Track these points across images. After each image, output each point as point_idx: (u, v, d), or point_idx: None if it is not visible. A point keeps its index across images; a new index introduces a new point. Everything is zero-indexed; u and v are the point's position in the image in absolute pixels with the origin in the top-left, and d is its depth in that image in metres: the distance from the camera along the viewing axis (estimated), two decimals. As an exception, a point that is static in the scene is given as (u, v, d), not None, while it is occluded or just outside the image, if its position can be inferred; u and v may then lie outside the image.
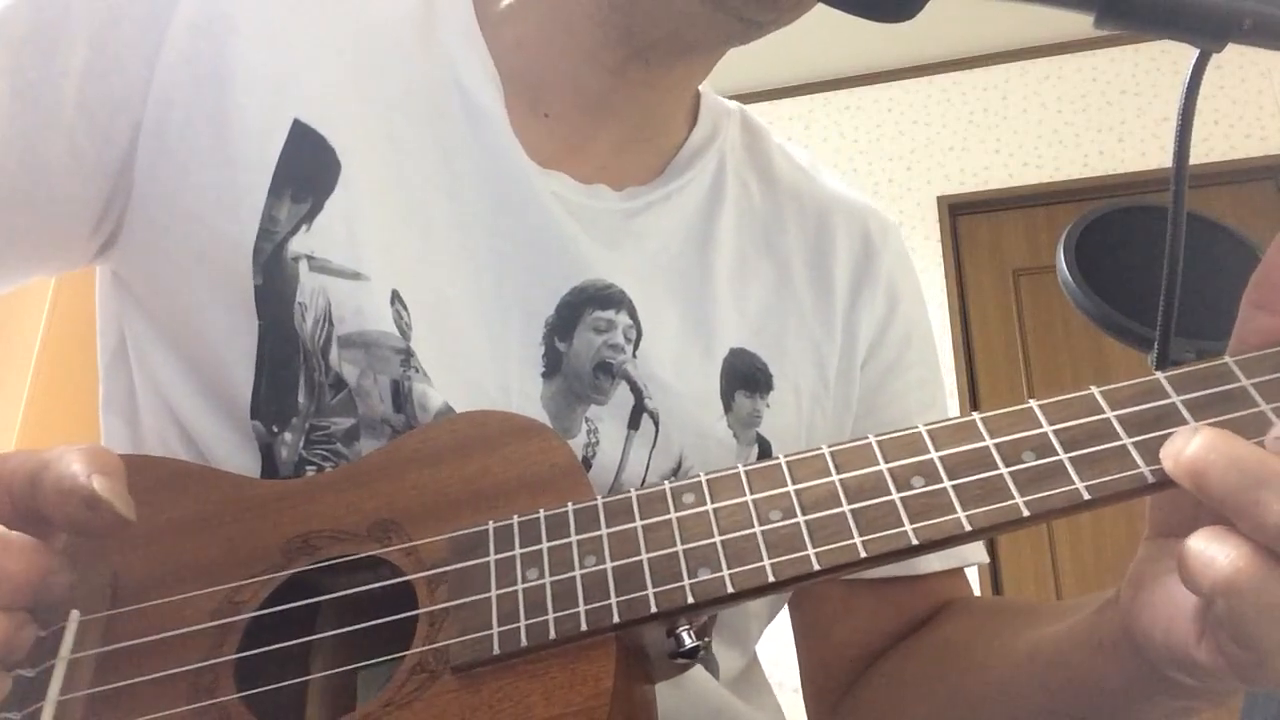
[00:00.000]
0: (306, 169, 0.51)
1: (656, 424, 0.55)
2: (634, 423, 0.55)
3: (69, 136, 0.50)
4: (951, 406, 3.00)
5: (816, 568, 0.37)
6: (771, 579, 0.37)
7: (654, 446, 0.55)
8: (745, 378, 0.60)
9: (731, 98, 0.73)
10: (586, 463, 0.53)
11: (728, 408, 0.58)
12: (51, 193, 0.51)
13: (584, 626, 0.38)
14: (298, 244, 0.50)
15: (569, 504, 0.41)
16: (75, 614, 0.41)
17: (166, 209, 0.51)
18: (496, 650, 0.38)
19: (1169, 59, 3.29)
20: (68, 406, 1.94)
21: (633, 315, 0.57)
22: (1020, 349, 3.11)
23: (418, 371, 0.50)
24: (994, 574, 2.84)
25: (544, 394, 0.54)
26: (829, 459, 0.40)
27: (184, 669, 0.40)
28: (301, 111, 0.52)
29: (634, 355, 0.56)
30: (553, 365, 0.55)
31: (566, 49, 0.59)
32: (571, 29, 0.59)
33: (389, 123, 0.55)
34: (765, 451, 0.59)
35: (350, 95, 0.54)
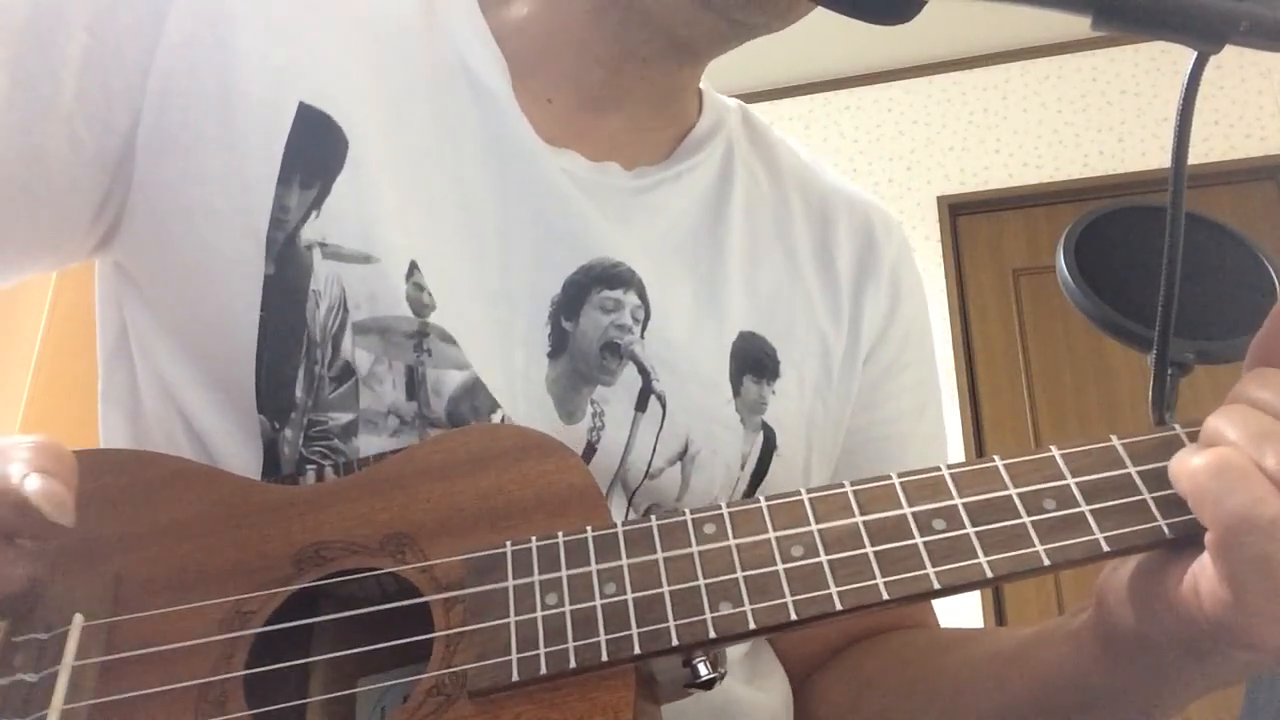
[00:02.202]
0: (314, 152, 0.51)
1: (664, 406, 0.55)
2: (641, 405, 0.55)
3: (68, 126, 0.50)
4: (951, 408, 2.98)
5: (839, 607, 0.37)
6: (794, 616, 0.38)
7: (661, 429, 0.55)
8: (754, 362, 0.59)
9: (731, 98, 0.73)
10: (591, 446, 0.53)
11: (735, 391, 0.58)
12: (50, 183, 0.50)
13: (605, 657, 0.38)
14: (309, 231, 0.50)
15: (588, 529, 0.41)
16: (79, 618, 0.41)
17: (170, 198, 0.51)
18: (516, 677, 0.38)
19: (1169, 59, 3.29)
20: (68, 404, 1.94)
21: (641, 295, 0.56)
22: (1020, 349, 3.11)
23: (431, 354, 0.50)
24: (995, 587, 2.84)
25: (549, 375, 0.54)
26: (851, 498, 0.40)
27: (192, 683, 0.40)
28: (306, 94, 0.52)
29: (642, 336, 0.56)
30: (559, 345, 0.54)
31: (565, 42, 0.60)
32: (568, 20, 0.59)
33: (395, 102, 0.55)
34: (770, 441, 0.58)
35: (355, 77, 0.54)
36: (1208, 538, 0.34)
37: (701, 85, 0.69)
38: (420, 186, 0.54)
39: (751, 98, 3.50)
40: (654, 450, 0.54)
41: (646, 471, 0.54)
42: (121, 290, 0.56)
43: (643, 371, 0.55)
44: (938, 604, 0.68)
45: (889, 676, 0.60)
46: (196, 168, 0.51)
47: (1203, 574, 0.35)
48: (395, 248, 0.51)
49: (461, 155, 0.56)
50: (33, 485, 0.36)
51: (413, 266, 0.51)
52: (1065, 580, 2.81)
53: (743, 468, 0.57)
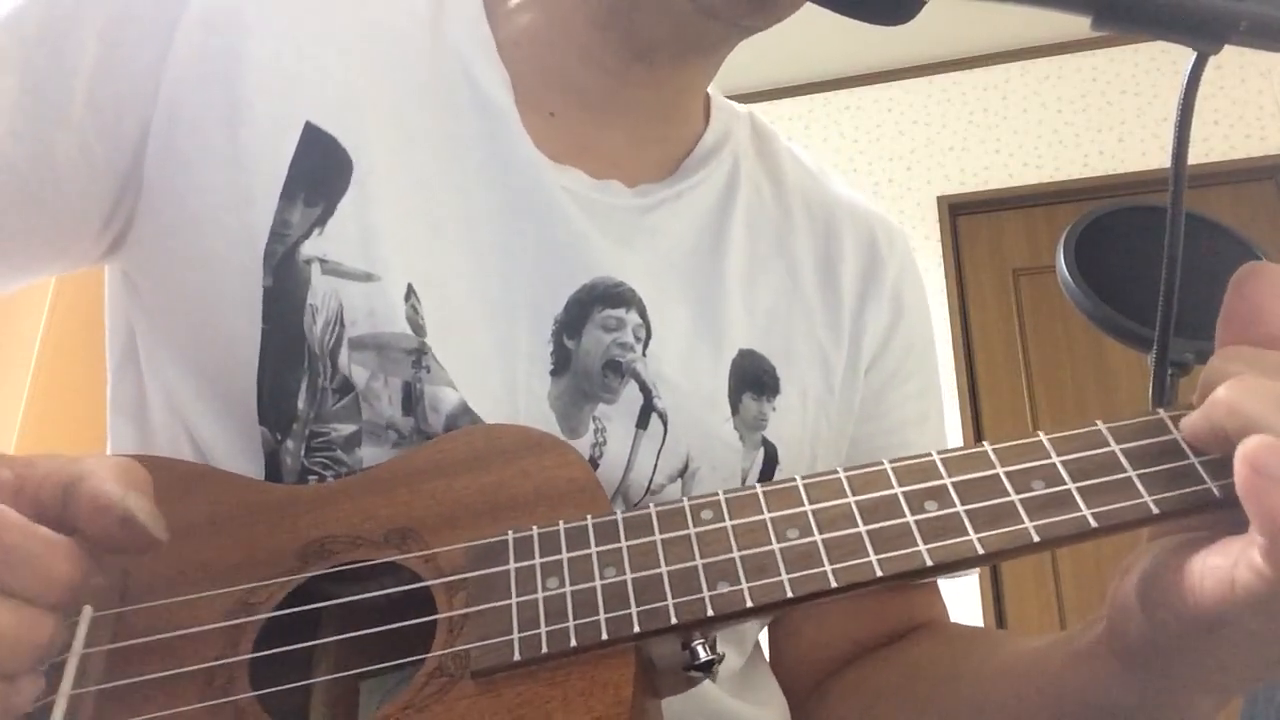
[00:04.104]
0: (319, 173, 0.51)
1: (665, 424, 0.55)
2: (642, 422, 0.55)
3: (79, 134, 0.50)
4: (951, 406, 2.97)
5: (834, 585, 0.38)
6: (790, 594, 0.38)
7: (662, 446, 0.55)
8: (753, 380, 0.59)
9: (731, 98, 0.73)
10: (593, 462, 0.53)
11: (734, 410, 0.58)
12: (61, 190, 0.51)
13: (605, 635, 0.38)
14: (310, 247, 0.50)
15: (588, 517, 0.42)
16: (88, 609, 0.41)
17: (176, 208, 0.51)
18: (517, 656, 0.38)
19: (1169, 59, 3.29)
20: (68, 406, 1.94)
21: (642, 314, 0.57)
22: (1020, 349, 3.11)
23: (429, 371, 0.50)
24: (995, 582, 2.84)
25: (552, 392, 0.54)
26: (845, 482, 0.41)
27: (199, 666, 0.41)
28: (313, 114, 0.52)
29: (643, 354, 0.56)
30: (561, 363, 0.55)
31: (568, 50, 0.60)
32: (572, 30, 0.59)
33: (400, 119, 0.55)
34: (771, 456, 0.58)
35: (361, 94, 0.54)
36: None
37: (711, 91, 0.69)
38: (424, 205, 0.54)
39: (751, 98, 3.50)
40: (655, 467, 0.54)
41: (648, 488, 0.54)
42: (128, 300, 0.57)
43: (644, 389, 0.55)
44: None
45: (901, 691, 0.60)
46: (202, 179, 0.51)
47: (1208, 566, 0.35)
48: (396, 268, 0.51)
49: (466, 171, 0.56)
50: (135, 501, 0.38)
51: (410, 290, 0.51)
52: (1065, 581, 2.82)
53: (743, 484, 0.57)
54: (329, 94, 0.53)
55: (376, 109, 0.54)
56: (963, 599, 2.75)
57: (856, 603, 0.65)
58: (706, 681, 0.56)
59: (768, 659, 0.68)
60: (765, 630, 0.69)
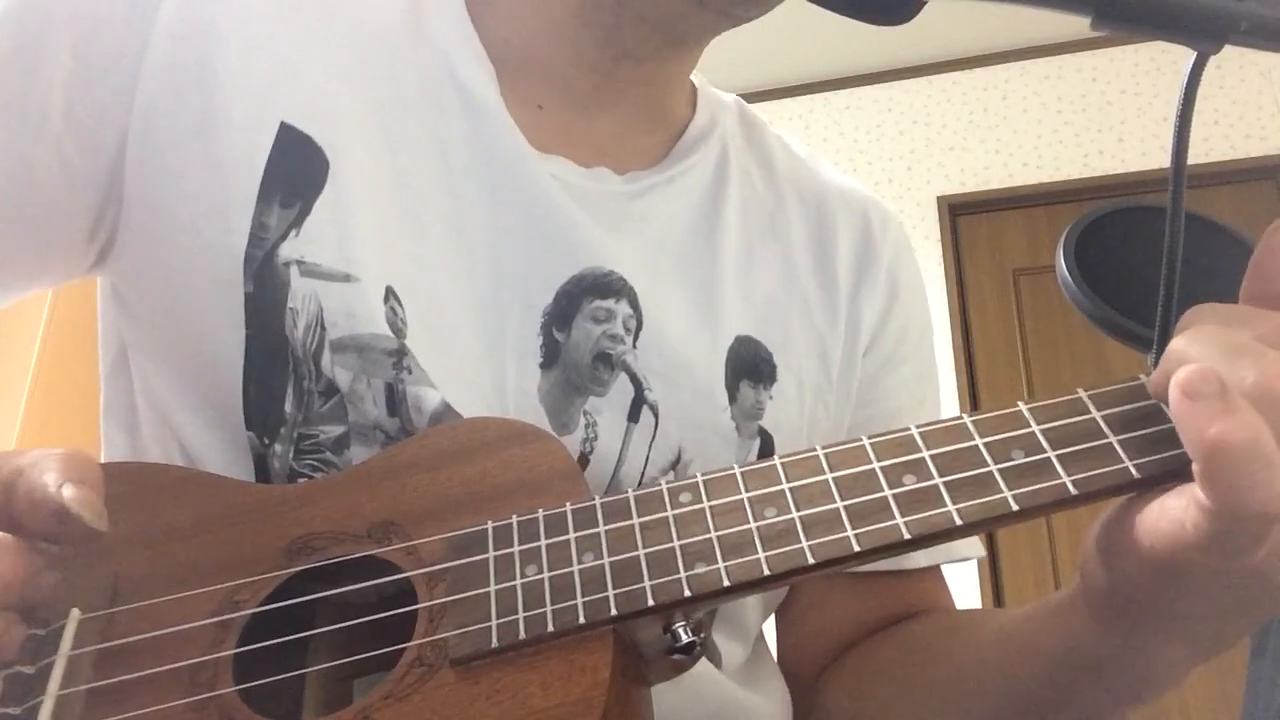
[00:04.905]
0: (294, 172, 0.51)
1: (656, 416, 0.55)
2: (633, 415, 0.55)
3: (57, 148, 0.50)
4: (951, 406, 2.98)
5: (811, 561, 0.38)
6: (766, 572, 0.38)
7: (653, 439, 0.55)
8: (750, 367, 0.59)
9: (728, 93, 0.73)
10: (584, 457, 0.53)
11: (732, 398, 0.57)
12: (43, 204, 0.51)
13: (582, 619, 0.38)
14: (288, 249, 0.50)
15: (567, 504, 0.42)
16: (75, 612, 0.41)
17: (157, 218, 0.51)
18: (495, 643, 0.38)
19: (1169, 59, 3.29)
20: (66, 412, 1.94)
21: (633, 304, 0.56)
22: (1020, 349, 3.11)
23: (410, 372, 0.50)
24: (994, 574, 2.84)
25: (542, 386, 0.54)
26: (823, 459, 0.41)
27: (183, 664, 0.41)
28: (288, 114, 0.52)
29: (634, 346, 0.55)
30: (551, 356, 0.54)
31: (554, 48, 0.59)
32: (559, 28, 0.59)
33: (382, 118, 0.55)
34: (766, 445, 0.58)
35: (340, 93, 0.54)
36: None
37: (697, 81, 0.69)
38: (407, 204, 0.54)
39: (752, 98, 3.49)
40: (647, 460, 0.54)
41: (640, 482, 0.54)
42: (117, 310, 0.57)
43: (635, 382, 0.55)
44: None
45: (896, 665, 0.60)
46: (180, 188, 0.51)
47: (1164, 508, 0.35)
48: (374, 269, 0.51)
49: (452, 168, 0.55)
50: (70, 493, 0.37)
51: (389, 291, 0.51)
52: (1065, 581, 2.81)
53: None
54: (305, 95, 0.53)
55: (355, 110, 0.54)
56: (962, 595, 2.74)
57: (859, 591, 0.65)
58: (712, 670, 0.56)
59: (776, 647, 0.68)
60: (773, 622, 0.69)
